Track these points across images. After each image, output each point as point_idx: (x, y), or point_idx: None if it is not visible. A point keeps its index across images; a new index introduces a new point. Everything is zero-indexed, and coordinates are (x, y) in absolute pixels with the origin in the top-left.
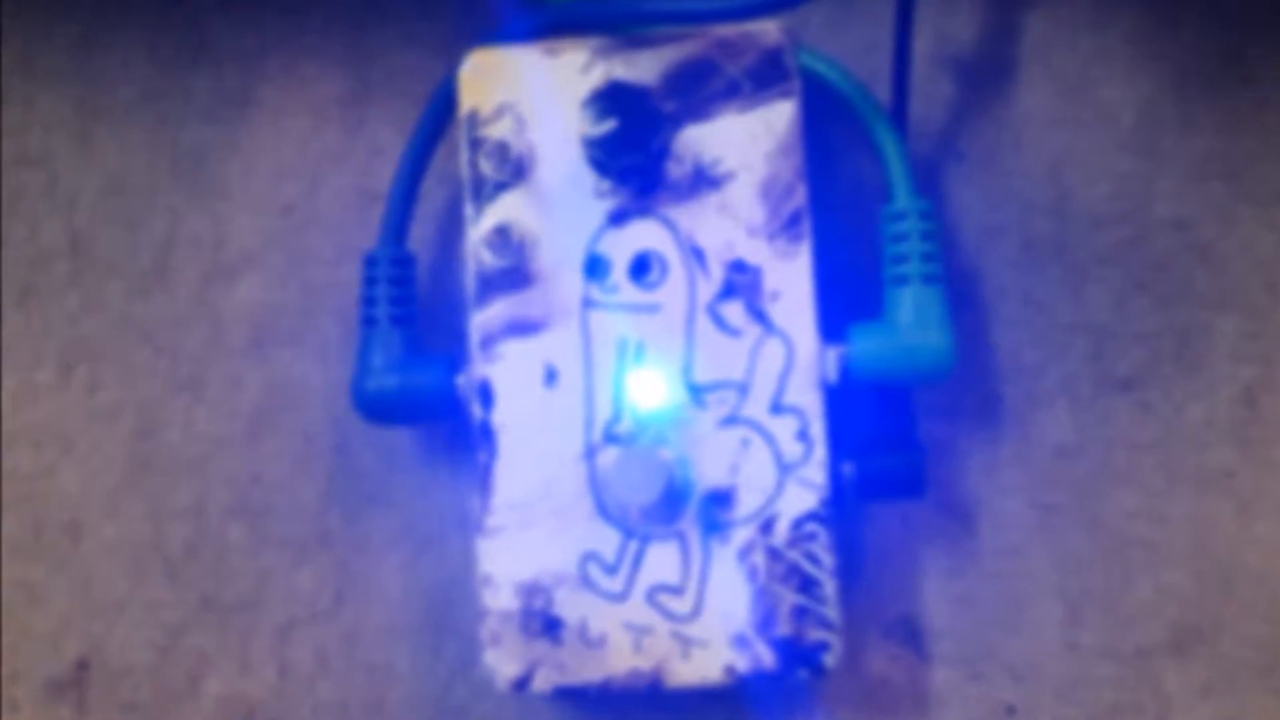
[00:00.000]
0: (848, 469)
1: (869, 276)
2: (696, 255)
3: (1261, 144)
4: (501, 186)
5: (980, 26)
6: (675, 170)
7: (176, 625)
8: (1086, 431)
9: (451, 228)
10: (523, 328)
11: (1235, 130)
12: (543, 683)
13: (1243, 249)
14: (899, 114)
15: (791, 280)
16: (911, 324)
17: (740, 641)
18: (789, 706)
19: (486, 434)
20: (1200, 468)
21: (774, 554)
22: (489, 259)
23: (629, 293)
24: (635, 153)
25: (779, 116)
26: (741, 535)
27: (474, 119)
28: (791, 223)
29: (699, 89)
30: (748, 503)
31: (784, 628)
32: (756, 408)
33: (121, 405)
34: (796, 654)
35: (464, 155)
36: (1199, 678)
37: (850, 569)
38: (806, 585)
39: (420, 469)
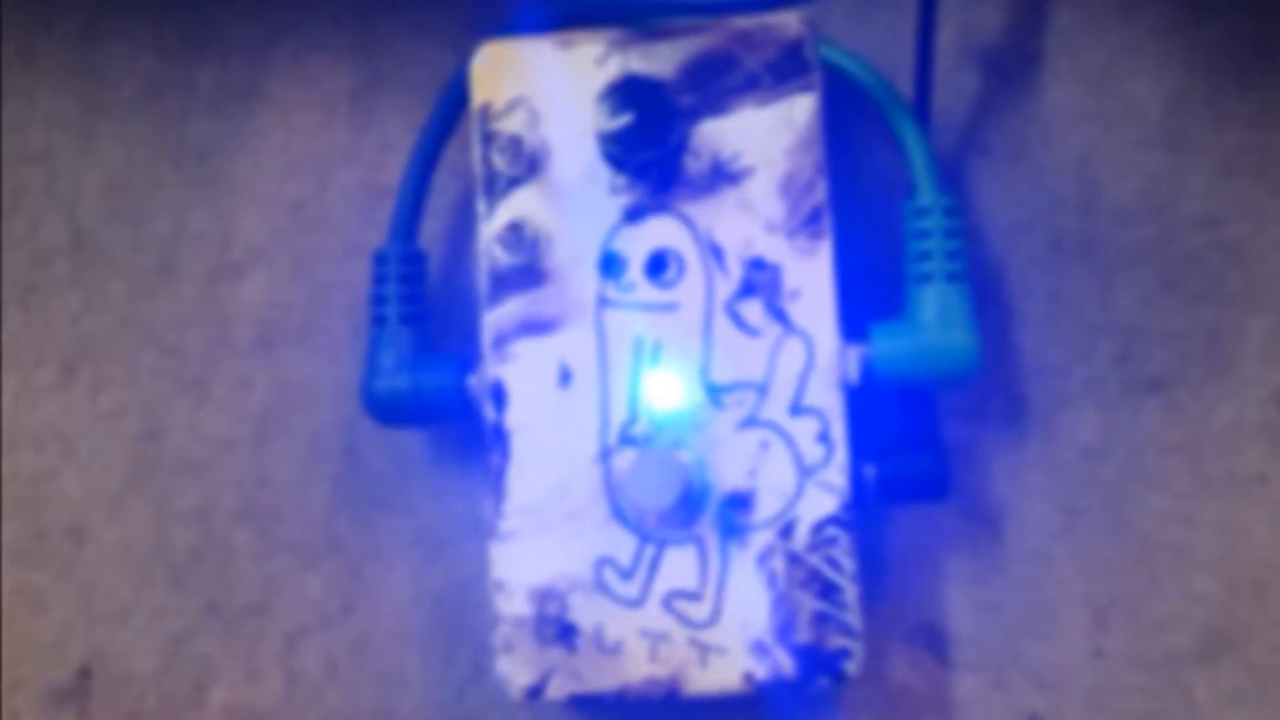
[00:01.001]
0: (869, 472)
1: (891, 274)
2: (714, 253)
3: None
4: (514, 182)
5: (1005, 18)
6: (693, 165)
7: (181, 632)
8: (1114, 433)
9: (463, 224)
10: (536, 327)
11: (1267, 125)
12: (557, 691)
13: (1274, 247)
14: (922, 108)
15: (812, 278)
16: (934, 323)
17: (759, 648)
18: (809, 715)
19: (499, 436)
20: (1230, 470)
21: (794, 559)
22: (502, 256)
23: (645, 291)
24: (652, 147)
25: (799, 110)
26: (760, 539)
27: (486, 113)
28: (812, 219)
29: (717, 82)
30: (767, 506)
31: (804, 634)
32: (776, 409)
33: (125, 406)
34: (817, 661)
35: (476, 150)
36: (1229, 686)
37: (872, 574)
38: (827, 591)
39: (431, 472)
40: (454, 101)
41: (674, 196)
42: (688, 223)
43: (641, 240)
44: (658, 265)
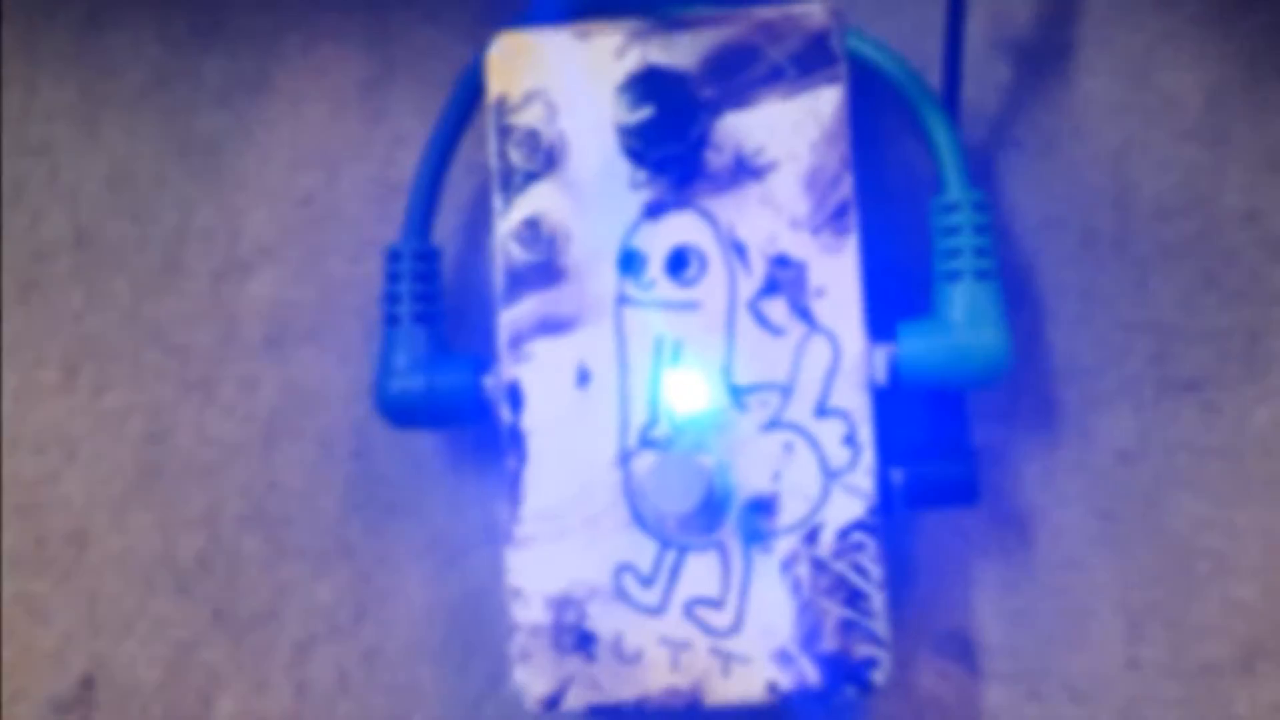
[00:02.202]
0: (897, 476)
1: (919, 272)
2: (737, 249)
3: None
4: (531, 177)
5: (1037, 7)
6: (715, 160)
7: (187, 641)
8: (1150, 436)
9: (479, 220)
10: (554, 326)
11: None
12: (575, 701)
13: None
14: (951, 100)
15: (837, 276)
16: (964, 322)
17: (783, 657)
18: None
19: (515, 438)
20: (1270, 474)
21: (819, 565)
22: (518, 253)
23: (666, 289)
24: (673, 141)
25: (825, 103)
26: (785, 545)
27: (502, 106)
28: (838, 215)
29: (740, 74)
30: (791, 511)
31: (830, 643)
32: (800, 411)
33: (129, 408)
34: (843, 671)
35: (492, 144)
36: (1269, 697)
37: (900, 581)
38: (853, 598)
39: (446, 476)
40: (469, 93)
41: (695, 192)
42: (709, 219)
43: (662, 237)
44: (679, 262)
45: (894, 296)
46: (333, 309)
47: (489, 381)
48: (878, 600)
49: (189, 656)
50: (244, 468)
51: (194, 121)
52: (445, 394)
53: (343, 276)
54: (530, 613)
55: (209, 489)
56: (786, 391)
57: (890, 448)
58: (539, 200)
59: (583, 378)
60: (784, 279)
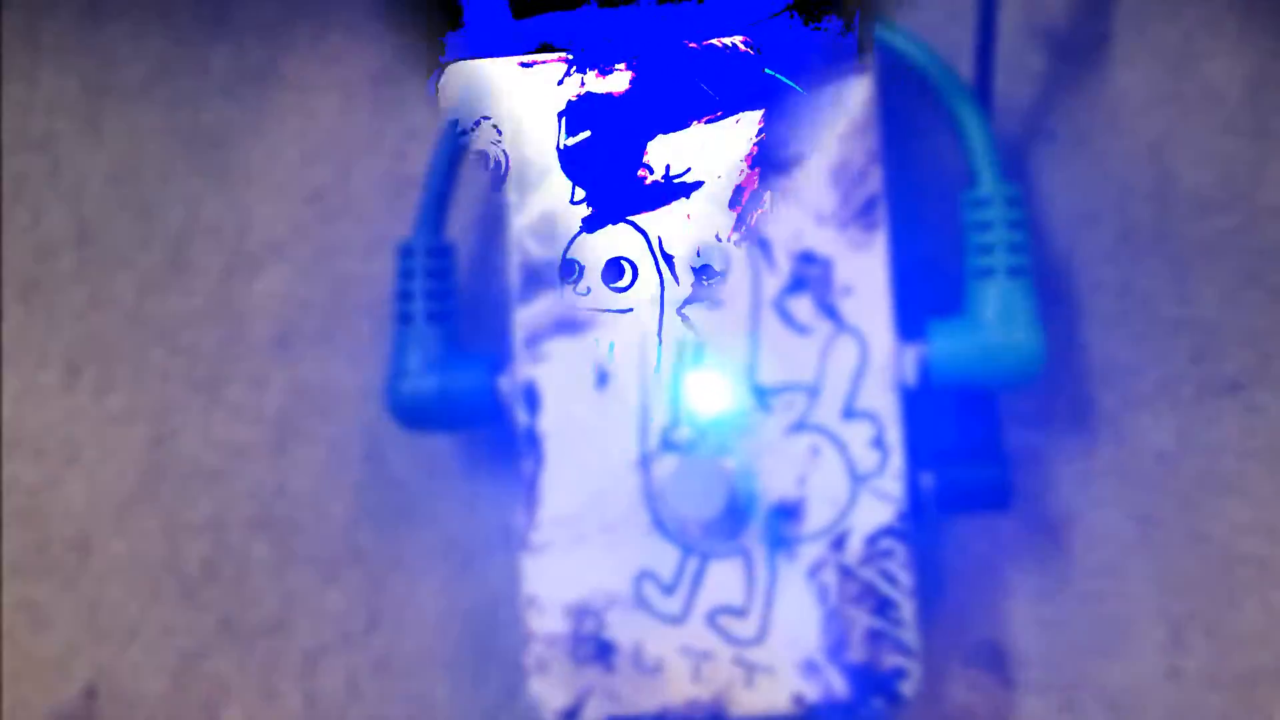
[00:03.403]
0: (927, 480)
1: (950, 269)
2: (762, 246)
3: None
4: (549, 170)
5: None
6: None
7: (193, 650)
8: (1190, 438)
9: (493, 215)
10: (571, 325)
11: None
12: (594, 713)
13: None
14: (983, 91)
15: (865, 273)
16: (997, 321)
17: (809, 668)
18: None
19: (532, 441)
20: None
21: (846, 572)
22: (535, 249)
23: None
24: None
25: (852, 94)
26: (811, 552)
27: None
28: (865, 210)
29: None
30: (818, 516)
31: (857, 653)
32: (827, 412)
33: (133, 410)
34: (871, 682)
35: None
36: None
37: (930, 589)
38: (882, 607)
39: (460, 480)
40: None
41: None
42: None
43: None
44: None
45: (924, 294)
46: (343, 307)
47: (504, 382)
48: (907, 609)
49: (195, 666)
50: (252, 471)
51: (200, 114)
52: (459, 395)
53: (354, 274)
54: (547, 621)
55: (215, 493)
56: (813, 392)
57: (920, 451)
58: (556, 194)
59: (601, 378)
60: (810, 276)
